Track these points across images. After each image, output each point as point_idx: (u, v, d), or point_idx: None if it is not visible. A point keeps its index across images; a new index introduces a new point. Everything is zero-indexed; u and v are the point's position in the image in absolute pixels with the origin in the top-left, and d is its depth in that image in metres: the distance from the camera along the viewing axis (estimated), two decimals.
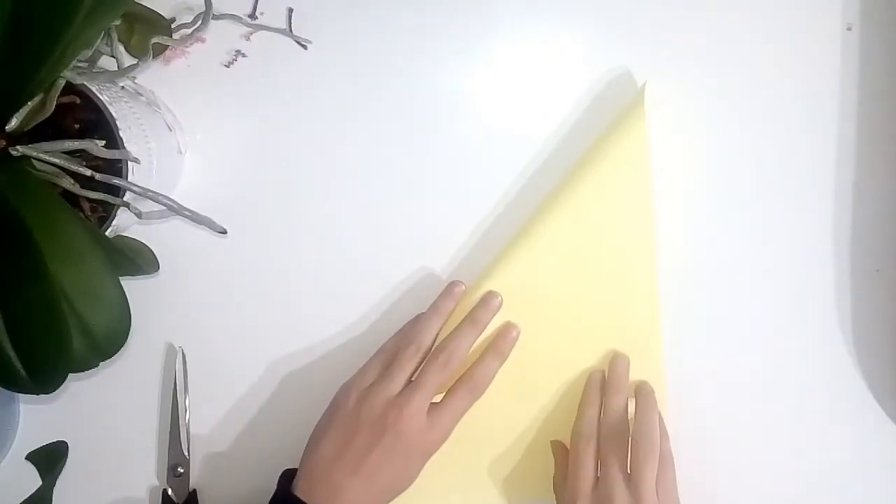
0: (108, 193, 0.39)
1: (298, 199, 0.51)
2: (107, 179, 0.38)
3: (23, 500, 0.42)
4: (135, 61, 0.43)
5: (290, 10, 0.50)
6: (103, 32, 0.40)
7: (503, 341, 0.48)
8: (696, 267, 0.51)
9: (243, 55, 0.50)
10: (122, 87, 0.44)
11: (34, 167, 0.38)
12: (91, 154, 0.39)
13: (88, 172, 0.38)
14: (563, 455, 0.49)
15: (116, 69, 0.42)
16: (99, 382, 0.51)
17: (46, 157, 0.37)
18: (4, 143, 0.37)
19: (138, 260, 0.44)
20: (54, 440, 0.49)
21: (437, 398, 0.46)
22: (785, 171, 0.51)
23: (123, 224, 0.43)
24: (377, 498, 0.44)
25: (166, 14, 0.48)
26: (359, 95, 0.51)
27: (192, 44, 0.50)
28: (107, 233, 0.41)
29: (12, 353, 0.34)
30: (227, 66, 0.50)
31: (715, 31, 0.51)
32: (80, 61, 0.43)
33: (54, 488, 0.44)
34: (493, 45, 0.51)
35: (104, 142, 0.38)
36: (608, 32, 0.51)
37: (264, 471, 0.48)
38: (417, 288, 0.51)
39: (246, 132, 0.51)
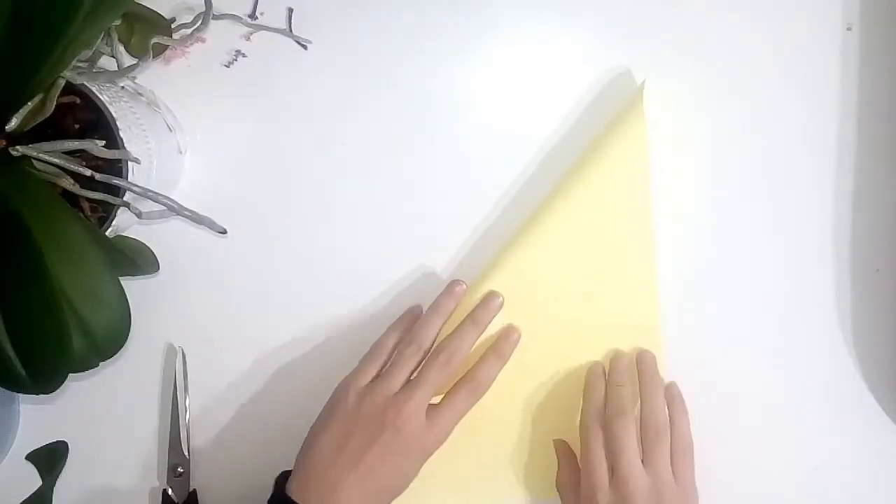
0: (108, 193, 0.39)
1: (298, 198, 0.51)
2: (107, 179, 0.38)
3: (23, 500, 0.42)
4: (135, 61, 0.43)
5: (290, 10, 0.50)
6: (103, 32, 0.40)
7: (504, 343, 0.48)
8: (696, 267, 0.51)
9: (243, 55, 0.50)
10: (122, 87, 0.44)
11: (34, 167, 0.38)
12: (91, 154, 0.39)
13: (88, 172, 0.38)
14: (567, 454, 0.49)
15: (116, 69, 0.42)
16: (99, 382, 0.51)
17: (46, 157, 0.37)
18: (4, 143, 0.37)
19: (138, 260, 0.44)
20: (54, 440, 0.49)
21: (436, 399, 0.46)
22: (785, 171, 0.51)
23: (123, 224, 0.43)
24: (374, 497, 0.44)
25: (166, 14, 0.48)
26: (359, 95, 0.51)
27: (192, 44, 0.50)
28: (107, 233, 0.41)
29: (12, 353, 0.34)
30: (227, 66, 0.50)
31: (715, 31, 0.51)
32: (80, 61, 0.43)
33: (54, 488, 0.44)
34: (493, 45, 0.51)
35: (104, 142, 0.38)
36: (608, 32, 0.51)
37: (264, 471, 0.48)
38: (417, 288, 0.51)
39: (246, 132, 0.51)
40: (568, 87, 0.51)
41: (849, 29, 0.50)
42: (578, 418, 0.49)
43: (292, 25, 0.50)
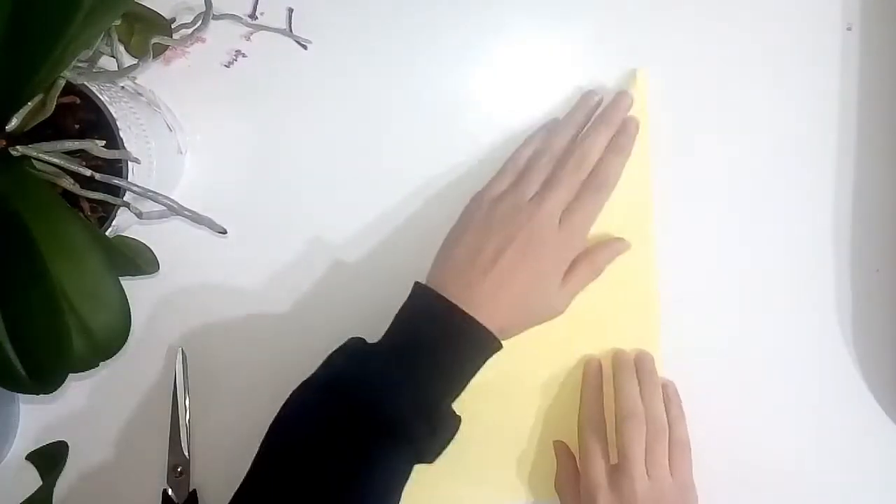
0: (108, 193, 0.39)
1: (298, 198, 0.51)
2: (107, 179, 0.38)
3: (23, 500, 0.42)
4: (135, 61, 0.42)
5: (290, 10, 0.50)
6: (103, 32, 0.40)
7: (623, 137, 0.47)
8: (696, 267, 0.51)
9: (243, 55, 0.50)
10: (122, 88, 0.44)
11: (34, 167, 0.38)
12: (91, 154, 0.38)
13: (88, 172, 0.38)
14: (566, 455, 0.49)
15: (116, 69, 0.42)
16: (99, 382, 0.51)
17: (46, 158, 0.37)
18: (4, 144, 0.37)
19: (138, 260, 0.44)
20: (54, 440, 0.49)
21: None
22: (785, 171, 0.51)
23: (123, 224, 0.43)
24: (509, 304, 0.43)
25: (166, 14, 0.48)
26: (359, 95, 0.51)
27: (192, 44, 0.50)
28: (107, 233, 0.41)
29: (12, 354, 0.34)
30: (228, 66, 0.50)
31: (715, 30, 0.51)
32: (80, 61, 0.43)
33: (54, 488, 0.44)
34: (493, 45, 0.51)
35: (104, 142, 0.38)
36: (608, 32, 0.51)
37: None
38: None
39: (246, 132, 0.51)
40: (568, 87, 0.51)
41: (849, 29, 0.50)
42: (577, 419, 0.49)
43: (292, 25, 0.50)
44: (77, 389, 0.51)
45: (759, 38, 0.51)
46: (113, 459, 0.51)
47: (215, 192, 0.50)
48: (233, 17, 0.48)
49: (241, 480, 0.42)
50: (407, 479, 0.42)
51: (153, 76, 0.49)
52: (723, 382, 0.51)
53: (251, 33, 0.50)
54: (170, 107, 0.49)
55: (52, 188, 0.38)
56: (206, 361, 0.51)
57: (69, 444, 0.49)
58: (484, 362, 0.43)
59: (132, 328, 0.37)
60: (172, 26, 0.47)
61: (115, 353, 0.37)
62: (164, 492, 0.50)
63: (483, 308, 0.42)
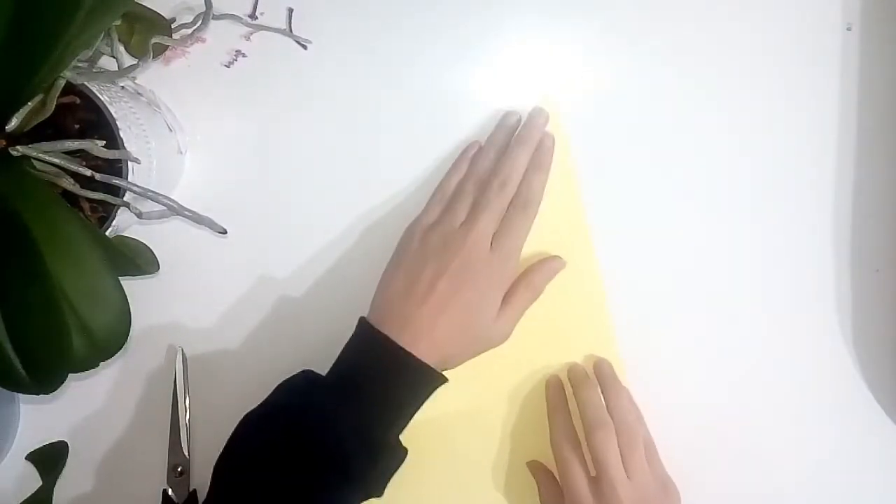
0: (108, 193, 0.39)
1: (298, 198, 0.51)
2: (107, 179, 0.38)
3: (23, 500, 0.42)
4: (135, 61, 0.42)
5: (290, 10, 0.50)
6: (103, 32, 0.40)
7: (541, 154, 0.48)
8: (697, 267, 0.51)
9: (243, 55, 0.50)
10: (123, 88, 0.44)
11: (34, 167, 0.38)
12: (91, 154, 0.39)
13: (88, 172, 0.38)
14: (544, 473, 0.49)
15: (116, 69, 0.42)
16: (99, 382, 0.51)
17: (46, 158, 0.37)
18: (4, 144, 0.37)
19: (138, 260, 0.44)
20: (54, 440, 0.49)
21: None
22: (784, 171, 0.51)
23: (123, 224, 0.43)
24: (448, 333, 0.43)
25: (166, 14, 0.48)
26: (359, 95, 0.51)
27: (192, 44, 0.50)
28: (107, 233, 0.41)
29: (12, 354, 0.34)
30: (228, 66, 0.50)
31: (714, 30, 0.51)
32: (81, 61, 0.43)
33: (54, 488, 0.44)
34: (493, 46, 0.51)
35: (104, 142, 0.38)
36: (608, 32, 0.51)
37: None
38: None
39: (246, 132, 0.51)
40: (568, 87, 0.51)
41: (849, 29, 0.50)
42: (548, 439, 0.49)
43: (292, 25, 0.50)
44: (77, 389, 0.51)
45: (758, 38, 0.51)
46: (113, 459, 0.51)
47: (215, 192, 0.50)
48: (233, 17, 0.48)
49: None
50: None
51: (153, 76, 0.49)
52: (722, 382, 0.51)
53: (251, 33, 0.50)
54: (170, 107, 0.49)
55: (52, 188, 0.38)
56: (206, 361, 0.51)
57: (69, 443, 0.49)
58: (427, 395, 0.44)
59: (132, 328, 0.37)
60: (172, 26, 0.47)
61: (115, 353, 0.37)
62: (164, 492, 0.50)
63: (421, 340, 0.42)
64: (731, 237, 0.51)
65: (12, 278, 0.34)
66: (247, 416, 0.43)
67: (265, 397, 0.44)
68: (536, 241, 0.47)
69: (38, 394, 0.35)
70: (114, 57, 0.43)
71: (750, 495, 0.51)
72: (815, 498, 0.51)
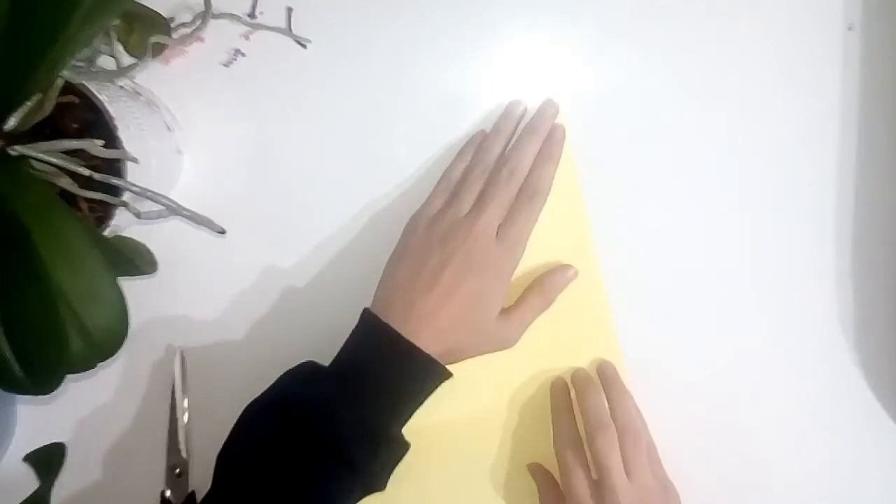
0: (107, 193, 0.39)
1: (298, 198, 0.51)
2: (105, 179, 0.38)
3: (20, 501, 0.42)
4: (134, 61, 0.42)
5: (290, 10, 0.50)
6: (102, 32, 0.40)
7: (551, 144, 0.47)
8: (697, 267, 0.51)
9: (242, 55, 0.50)
10: (121, 87, 0.44)
11: (32, 167, 0.38)
12: (90, 154, 0.38)
13: (87, 172, 0.38)
14: (545, 476, 0.49)
15: (115, 69, 0.42)
16: (97, 383, 0.51)
17: (45, 157, 0.37)
18: (3, 143, 0.37)
19: (137, 260, 0.44)
20: (52, 441, 0.49)
21: None
22: (785, 171, 0.51)
23: (122, 224, 0.43)
24: (452, 324, 0.43)
25: (165, 13, 0.48)
26: (358, 95, 0.50)
27: (191, 43, 0.50)
28: (105, 233, 0.41)
29: (10, 354, 0.34)
30: (227, 66, 0.50)
31: (716, 30, 0.50)
32: (79, 61, 0.42)
33: (52, 490, 0.44)
34: (493, 46, 0.51)
35: (103, 141, 0.38)
36: (608, 32, 0.51)
37: None
38: None
39: (245, 132, 0.51)
40: (568, 87, 0.51)
41: (850, 29, 0.50)
42: (551, 437, 0.49)
43: (292, 25, 0.50)
44: (75, 390, 0.51)
45: (759, 38, 0.51)
46: (111, 460, 0.51)
47: (214, 192, 0.50)
48: (232, 16, 0.48)
49: None
50: None
51: (152, 76, 0.49)
52: (722, 382, 0.51)
53: (250, 33, 0.50)
54: (169, 106, 0.49)
55: (50, 188, 0.38)
56: (204, 361, 0.51)
57: (67, 445, 0.48)
58: (431, 388, 0.43)
59: (130, 328, 0.37)
60: (171, 26, 0.46)
61: (113, 354, 0.37)
62: (163, 493, 0.49)
63: (425, 330, 0.42)
64: (730, 236, 0.51)
65: (10, 278, 0.34)
66: (250, 404, 0.43)
67: (267, 387, 0.44)
68: (537, 241, 0.47)
69: (35, 394, 0.35)
70: (112, 56, 0.42)
71: (750, 494, 0.51)
72: (815, 498, 0.51)
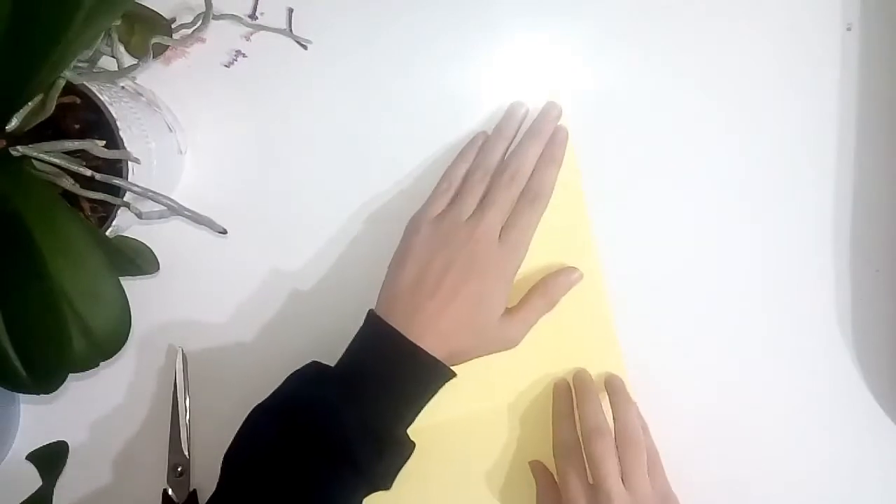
0: (109, 193, 0.39)
1: (299, 199, 0.51)
2: (107, 180, 0.38)
3: (23, 500, 0.42)
4: (135, 61, 0.42)
5: (291, 10, 0.50)
6: (103, 33, 0.40)
7: (553, 146, 0.47)
8: (696, 267, 0.51)
9: (243, 55, 0.50)
10: (123, 88, 0.44)
11: (34, 167, 0.38)
12: (91, 154, 0.39)
13: (88, 173, 0.38)
14: (544, 474, 0.49)
15: (116, 69, 0.42)
16: (99, 382, 0.51)
17: (47, 158, 0.37)
18: (5, 144, 0.37)
19: (138, 260, 0.44)
20: (54, 440, 0.49)
21: None
22: (784, 171, 0.51)
23: (123, 224, 0.43)
24: (456, 326, 0.43)
25: (166, 14, 0.48)
26: (359, 95, 0.51)
27: (192, 44, 0.50)
28: (107, 233, 0.41)
29: (12, 353, 0.34)
30: (228, 67, 0.50)
31: (715, 30, 0.51)
32: (81, 61, 0.43)
33: (54, 488, 0.44)
34: (493, 46, 0.51)
35: (104, 142, 0.38)
36: (608, 32, 0.51)
37: None
38: None
39: (246, 132, 0.51)
40: (568, 87, 0.51)
41: (849, 29, 0.50)
42: (551, 436, 0.49)
43: (292, 25, 0.50)
44: (77, 389, 0.51)
45: (758, 38, 0.51)
46: (113, 459, 0.51)
47: (215, 192, 0.50)
48: (233, 17, 0.48)
49: None
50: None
51: (153, 76, 0.49)
52: (721, 383, 0.51)
53: (251, 33, 0.50)
54: (170, 107, 0.49)
55: (52, 188, 0.38)
56: (206, 361, 0.51)
57: (69, 443, 0.49)
58: (435, 389, 0.44)
59: (132, 328, 0.37)
60: (172, 26, 0.47)
61: (115, 353, 0.37)
62: (165, 492, 0.50)
63: (428, 333, 0.43)
64: (730, 236, 0.51)
65: (12, 278, 0.34)
66: (257, 406, 0.43)
67: (273, 389, 0.44)
68: (539, 242, 0.47)
69: (38, 394, 0.35)
70: (114, 57, 0.43)
71: (750, 494, 0.51)
72: (814, 498, 0.51)
